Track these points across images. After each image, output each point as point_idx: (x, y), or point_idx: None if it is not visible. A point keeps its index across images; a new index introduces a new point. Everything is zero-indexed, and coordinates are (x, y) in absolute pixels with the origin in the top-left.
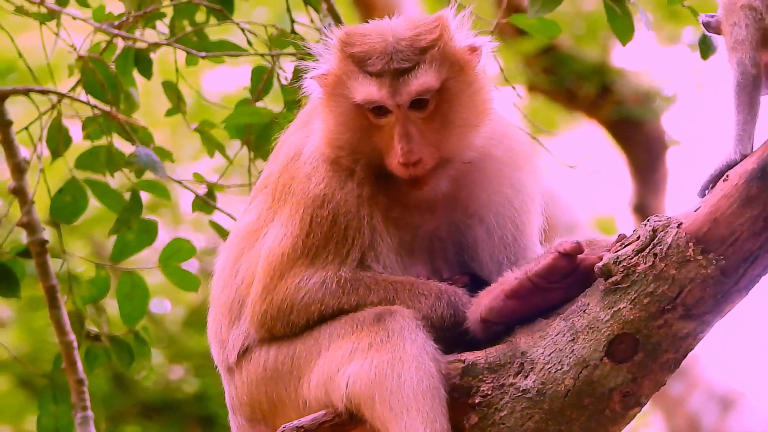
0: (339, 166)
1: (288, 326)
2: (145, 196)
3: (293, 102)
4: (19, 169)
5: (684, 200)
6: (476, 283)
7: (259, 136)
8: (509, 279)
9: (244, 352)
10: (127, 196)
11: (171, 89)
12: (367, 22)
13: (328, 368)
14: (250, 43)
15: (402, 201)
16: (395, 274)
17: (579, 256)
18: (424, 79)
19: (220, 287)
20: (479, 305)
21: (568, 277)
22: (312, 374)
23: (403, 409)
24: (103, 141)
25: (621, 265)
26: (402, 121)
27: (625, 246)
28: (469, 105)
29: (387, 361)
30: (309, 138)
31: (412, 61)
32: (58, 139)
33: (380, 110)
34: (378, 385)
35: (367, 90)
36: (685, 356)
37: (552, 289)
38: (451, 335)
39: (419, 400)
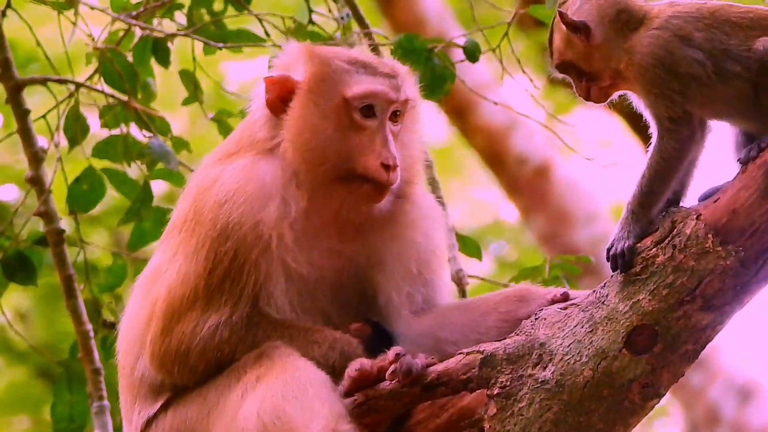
0: (269, 186)
1: (187, 370)
2: (163, 186)
3: None
4: (36, 158)
5: (703, 190)
6: (379, 333)
7: None
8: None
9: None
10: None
11: (188, 78)
12: (386, 11)
13: (225, 420)
14: (267, 34)
15: (323, 227)
16: (291, 316)
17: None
18: (410, 87)
19: (127, 330)
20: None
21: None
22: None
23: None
24: (120, 130)
25: (640, 257)
26: (386, 125)
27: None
28: (418, 141)
29: (280, 382)
30: (226, 169)
31: (397, 73)
32: (76, 128)
33: (368, 111)
34: (279, 409)
35: (366, 84)
36: (704, 347)
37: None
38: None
39: (322, 403)
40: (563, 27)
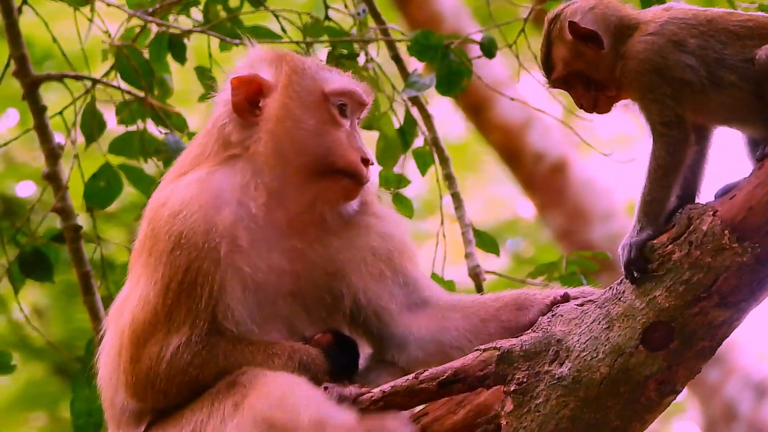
0: (225, 192)
1: (159, 394)
2: None
3: None
4: (53, 154)
5: (719, 186)
6: (340, 341)
7: None
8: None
9: None
10: None
11: (204, 75)
12: (402, 8)
13: None
14: (284, 30)
15: (285, 226)
16: (252, 328)
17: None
18: (371, 95)
19: (104, 362)
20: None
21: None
22: None
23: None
24: (137, 126)
25: (656, 253)
26: (356, 125)
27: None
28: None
29: (260, 399)
30: (179, 183)
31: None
32: (92, 125)
33: (342, 109)
34: (267, 420)
35: (344, 82)
36: (721, 344)
37: None
38: None
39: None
40: (569, 37)
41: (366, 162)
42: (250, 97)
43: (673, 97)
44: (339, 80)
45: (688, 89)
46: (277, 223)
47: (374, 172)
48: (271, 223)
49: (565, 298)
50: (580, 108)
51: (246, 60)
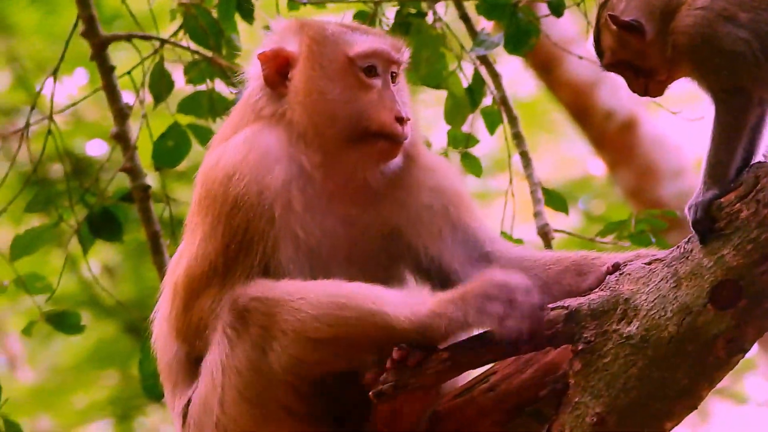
0: (274, 150)
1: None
2: None
3: None
4: (121, 114)
5: None
6: None
7: None
8: None
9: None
10: None
11: None
12: None
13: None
14: None
15: (335, 193)
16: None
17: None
18: (403, 51)
19: (160, 317)
20: None
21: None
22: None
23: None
24: (205, 86)
25: (724, 212)
26: (389, 84)
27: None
28: (411, 103)
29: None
30: (228, 144)
31: (388, 36)
32: (161, 85)
33: (371, 71)
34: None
35: (368, 43)
36: None
37: None
38: None
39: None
40: (613, 27)
41: (401, 120)
42: (279, 69)
43: (728, 68)
44: (363, 42)
45: (741, 61)
46: (327, 190)
47: (413, 124)
48: (322, 190)
49: (615, 267)
50: (633, 92)
51: (272, 33)
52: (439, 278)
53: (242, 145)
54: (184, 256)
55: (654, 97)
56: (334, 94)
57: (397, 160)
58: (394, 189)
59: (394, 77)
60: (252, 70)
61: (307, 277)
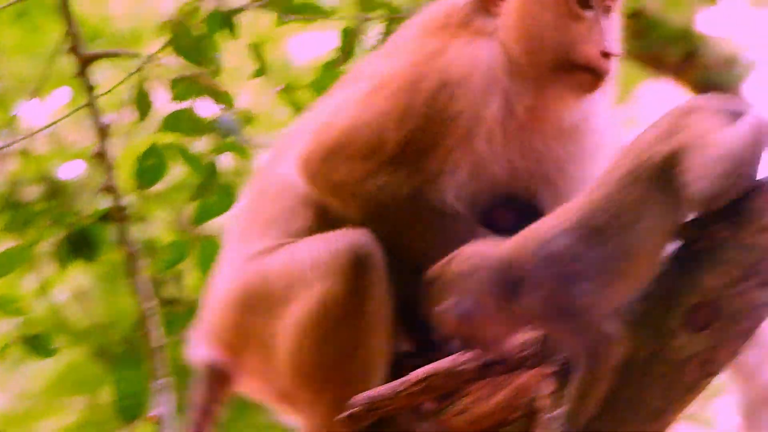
0: (494, 77)
1: (330, 198)
2: (229, 161)
3: None
4: (102, 133)
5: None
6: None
7: None
8: None
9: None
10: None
11: (255, 52)
12: None
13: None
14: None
15: (529, 125)
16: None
17: None
18: None
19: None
20: None
21: None
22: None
23: None
24: (188, 103)
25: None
26: (601, 17)
27: None
28: (619, 40)
29: None
30: (449, 46)
31: None
32: (144, 102)
33: (585, 2)
34: None
35: None
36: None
37: None
38: None
39: None
40: None
41: (607, 54)
42: None
43: None
44: None
45: None
46: (520, 117)
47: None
48: (516, 115)
49: None
50: None
51: None
52: None
53: (465, 59)
54: (351, 103)
55: None
56: (545, 21)
57: (600, 103)
58: (580, 133)
59: (608, 10)
60: None
61: (461, 203)
